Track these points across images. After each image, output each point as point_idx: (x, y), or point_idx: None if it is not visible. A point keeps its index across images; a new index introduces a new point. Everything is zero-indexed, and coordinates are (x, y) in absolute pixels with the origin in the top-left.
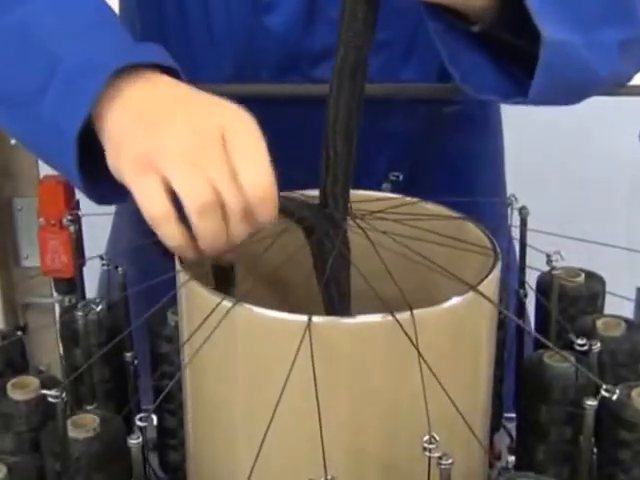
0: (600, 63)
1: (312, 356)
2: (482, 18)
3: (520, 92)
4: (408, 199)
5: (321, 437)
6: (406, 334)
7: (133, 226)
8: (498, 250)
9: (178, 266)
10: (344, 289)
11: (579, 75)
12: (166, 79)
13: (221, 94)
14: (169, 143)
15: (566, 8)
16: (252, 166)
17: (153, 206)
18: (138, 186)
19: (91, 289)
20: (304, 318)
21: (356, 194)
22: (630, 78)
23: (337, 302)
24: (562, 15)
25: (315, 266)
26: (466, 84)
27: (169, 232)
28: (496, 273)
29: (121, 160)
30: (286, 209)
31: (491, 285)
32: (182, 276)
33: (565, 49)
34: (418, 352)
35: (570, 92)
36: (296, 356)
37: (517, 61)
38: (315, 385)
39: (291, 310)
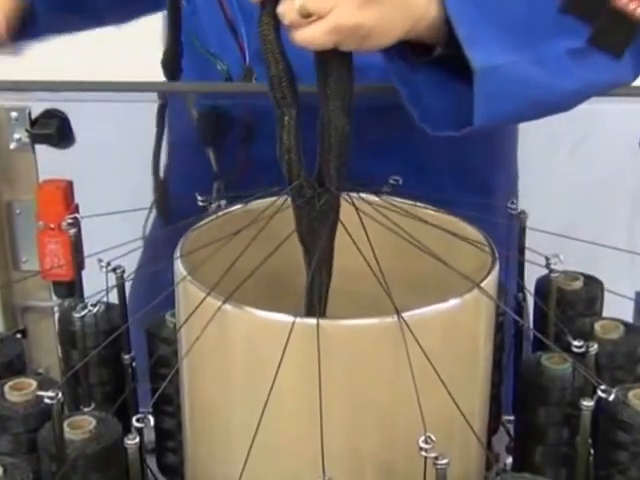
0: (558, 76)
1: (319, 358)
2: (432, 39)
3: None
4: (405, 201)
5: (321, 438)
6: (412, 333)
7: None
8: (495, 250)
9: (177, 268)
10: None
11: (530, 93)
12: None
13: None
14: None
15: (506, 26)
16: None
17: None
18: None
19: (90, 292)
20: (301, 319)
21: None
22: (622, 83)
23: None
24: (502, 34)
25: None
26: (424, 122)
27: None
28: (495, 273)
29: None
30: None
31: (490, 284)
32: (180, 277)
33: (504, 72)
34: (423, 352)
35: (528, 110)
36: (292, 357)
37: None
38: (320, 386)
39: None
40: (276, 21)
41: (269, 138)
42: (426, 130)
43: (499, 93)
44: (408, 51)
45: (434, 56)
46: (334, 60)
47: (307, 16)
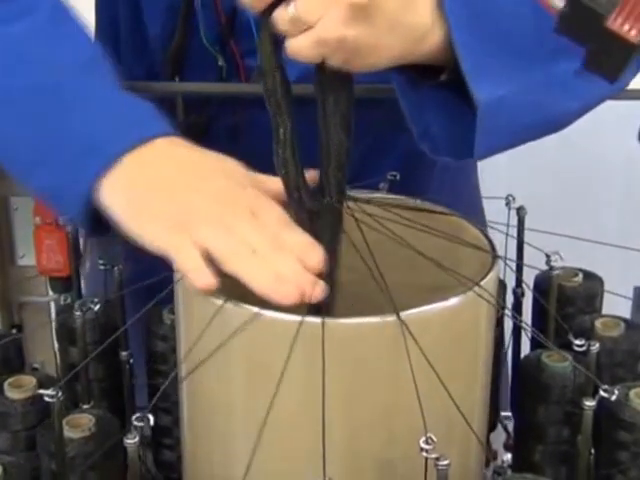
0: (564, 98)
1: (323, 358)
2: (438, 61)
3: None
4: (406, 199)
5: (323, 438)
6: (410, 333)
7: None
8: (496, 249)
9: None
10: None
11: (533, 119)
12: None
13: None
14: (201, 206)
15: (512, 52)
16: (291, 231)
17: (190, 262)
18: (171, 247)
19: (86, 288)
20: (302, 318)
21: (355, 194)
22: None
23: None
24: (508, 61)
25: None
26: (424, 142)
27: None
28: (495, 272)
29: (145, 226)
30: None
31: (490, 284)
32: (179, 275)
33: (509, 102)
34: (422, 353)
35: (529, 135)
36: (292, 356)
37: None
38: (323, 386)
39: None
40: (274, 33)
41: (257, 136)
42: (425, 150)
43: (502, 125)
44: (412, 72)
45: (438, 81)
46: (333, 77)
47: (298, 24)
